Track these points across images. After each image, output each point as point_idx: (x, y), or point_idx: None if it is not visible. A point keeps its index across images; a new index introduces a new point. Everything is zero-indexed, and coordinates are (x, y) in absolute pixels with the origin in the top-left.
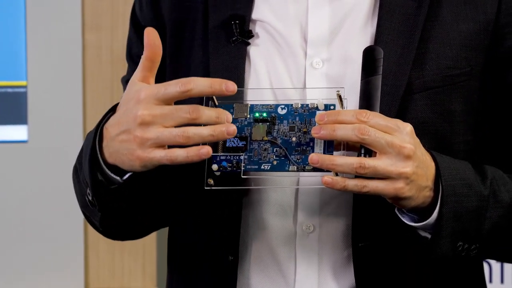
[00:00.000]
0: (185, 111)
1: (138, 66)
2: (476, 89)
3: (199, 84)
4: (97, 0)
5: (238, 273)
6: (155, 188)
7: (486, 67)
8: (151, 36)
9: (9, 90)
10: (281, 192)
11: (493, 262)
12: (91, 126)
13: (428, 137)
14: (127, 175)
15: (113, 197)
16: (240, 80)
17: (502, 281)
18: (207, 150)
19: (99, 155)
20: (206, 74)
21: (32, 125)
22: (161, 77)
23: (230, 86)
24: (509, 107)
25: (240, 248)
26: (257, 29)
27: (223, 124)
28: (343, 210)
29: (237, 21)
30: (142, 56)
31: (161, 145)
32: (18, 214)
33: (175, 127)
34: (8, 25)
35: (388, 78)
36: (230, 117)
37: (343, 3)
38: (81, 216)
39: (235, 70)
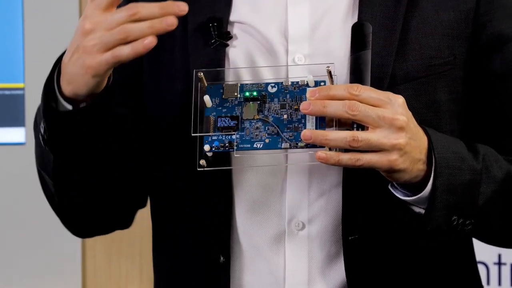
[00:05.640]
0: (122, 10)
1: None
2: (461, 78)
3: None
4: None
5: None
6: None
7: (469, 56)
8: None
9: (7, 92)
10: (268, 189)
11: (490, 263)
12: None
13: None
14: (82, 104)
15: (67, 129)
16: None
17: (499, 283)
18: (150, 40)
19: (55, 85)
20: (187, 77)
21: (29, 128)
22: (139, 81)
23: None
24: (493, 94)
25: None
26: (235, 30)
27: (162, 18)
28: (332, 204)
29: (215, 24)
30: None
31: (107, 49)
32: (16, 217)
33: None
34: (6, 27)
35: (371, 71)
36: (182, 8)
37: None
38: None
39: (216, 72)
